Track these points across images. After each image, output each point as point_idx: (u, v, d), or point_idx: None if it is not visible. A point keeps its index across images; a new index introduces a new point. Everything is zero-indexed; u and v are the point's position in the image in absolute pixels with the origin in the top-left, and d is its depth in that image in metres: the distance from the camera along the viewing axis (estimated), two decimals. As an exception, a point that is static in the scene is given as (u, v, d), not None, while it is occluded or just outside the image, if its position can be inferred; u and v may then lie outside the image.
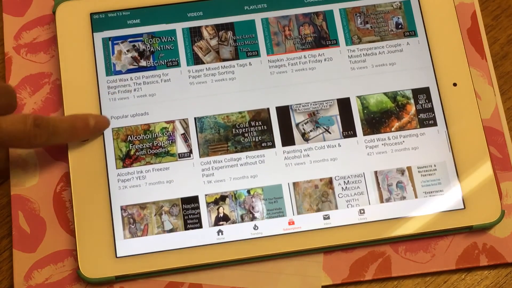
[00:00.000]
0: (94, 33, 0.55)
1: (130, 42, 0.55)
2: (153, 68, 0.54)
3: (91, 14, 0.55)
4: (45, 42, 0.56)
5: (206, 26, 0.55)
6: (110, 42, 0.55)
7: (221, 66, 0.55)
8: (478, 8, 0.58)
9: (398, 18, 0.56)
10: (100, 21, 0.55)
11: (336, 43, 0.55)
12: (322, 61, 0.55)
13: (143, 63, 0.55)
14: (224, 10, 0.56)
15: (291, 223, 0.52)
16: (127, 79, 0.54)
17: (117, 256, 0.51)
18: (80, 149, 0.52)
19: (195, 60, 0.55)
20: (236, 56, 0.55)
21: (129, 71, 0.54)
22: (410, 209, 0.52)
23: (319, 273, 0.52)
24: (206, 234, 0.51)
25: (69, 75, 0.54)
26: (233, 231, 0.51)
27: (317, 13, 0.56)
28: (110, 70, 0.54)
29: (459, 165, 0.53)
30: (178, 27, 0.55)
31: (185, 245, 0.51)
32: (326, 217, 0.52)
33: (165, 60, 0.55)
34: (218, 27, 0.55)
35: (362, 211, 0.52)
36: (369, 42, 0.56)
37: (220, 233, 0.51)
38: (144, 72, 0.54)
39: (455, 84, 0.55)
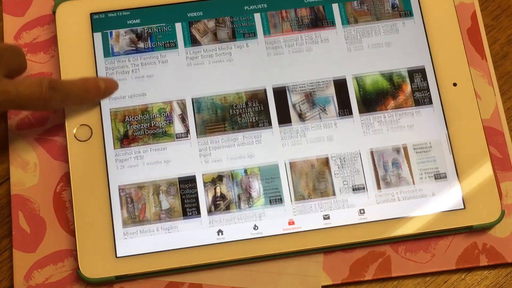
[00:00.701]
0: (94, 33, 0.55)
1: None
2: (151, 49, 0.55)
3: (91, 14, 0.55)
4: (45, 42, 0.56)
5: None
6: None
7: (218, 48, 0.55)
8: (478, 8, 0.58)
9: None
10: (100, 21, 0.55)
11: (332, 24, 0.56)
12: (319, 42, 0.55)
13: (140, 45, 0.55)
14: (224, 10, 0.56)
15: (291, 223, 0.52)
16: (125, 61, 0.54)
17: (117, 256, 0.51)
18: (80, 149, 0.52)
19: (193, 41, 0.55)
20: (233, 38, 0.55)
21: (127, 52, 0.55)
22: (410, 209, 0.52)
23: (319, 273, 0.52)
24: (206, 234, 0.51)
25: (69, 75, 0.54)
26: (233, 231, 0.51)
27: None
28: (108, 52, 0.54)
29: (459, 165, 0.53)
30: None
31: (185, 245, 0.51)
32: (326, 217, 0.52)
33: (163, 42, 0.55)
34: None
35: (362, 211, 0.52)
36: (365, 21, 0.56)
37: (220, 233, 0.51)
38: (142, 53, 0.55)
39: (455, 84, 0.55)
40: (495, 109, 0.56)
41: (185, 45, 0.55)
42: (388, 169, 0.53)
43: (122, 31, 0.55)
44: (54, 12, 0.55)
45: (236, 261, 0.51)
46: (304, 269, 0.52)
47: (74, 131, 0.53)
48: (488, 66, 0.57)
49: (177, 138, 0.53)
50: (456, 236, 0.53)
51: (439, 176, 0.53)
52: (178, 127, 0.53)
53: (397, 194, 0.53)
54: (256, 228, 0.52)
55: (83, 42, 0.54)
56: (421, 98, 0.54)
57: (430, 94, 0.54)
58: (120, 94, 0.54)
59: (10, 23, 0.56)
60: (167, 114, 0.53)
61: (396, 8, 0.56)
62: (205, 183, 0.52)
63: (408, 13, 0.56)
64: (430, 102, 0.54)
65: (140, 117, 0.53)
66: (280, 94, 0.54)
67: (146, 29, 0.55)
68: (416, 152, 0.53)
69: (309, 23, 0.56)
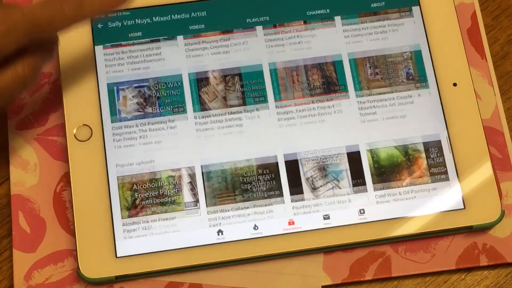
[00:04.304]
0: (94, 33, 0.55)
1: (136, 87, 0.54)
2: (159, 114, 0.53)
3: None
4: (46, 42, 0.56)
5: (213, 71, 0.54)
6: (115, 88, 0.54)
7: (228, 112, 0.54)
8: (478, 8, 0.58)
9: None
10: (99, 21, 0.55)
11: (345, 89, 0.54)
12: (332, 113, 0.54)
13: (148, 109, 0.53)
14: (225, 23, 0.55)
15: (291, 223, 0.52)
16: (133, 126, 0.53)
17: (117, 256, 0.51)
18: (80, 149, 0.52)
19: (202, 106, 0.54)
20: (243, 103, 0.54)
21: (135, 117, 0.53)
22: (410, 209, 0.52)
23: (319, 273, 0.52)
24: (206, 234, 0.51)
25: (69, 75, 0.54)
26: (233, 231, 0.51)
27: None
28: (116, 117, 0.53)
29: (459, 165, 0.53)
30: (185, 72, 0.54)
31: (185, 245, 0.51)
32: (326, 217, 0.52)
33: (171, 107, 0.54)
34: (225, 73, 0.54)
35: (362, 211, 0.52)
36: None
37: (220, 233, 0.51)
38: (150, 118, 0.53)
39: (455, 84, 0.55)
40: (495, 109, 0.56)
41: (194, 110, 0.53)
42: None
43: (129, 95, 0.53)
44: (54, 13, 0.55)
45: (236, 261, 0.51)
46: (304, 269, 0.52)
47: (74, 131, 0.53)
48: (488, 66, 0.57)
49: (186, 207, 0.52)
50: (456, 236, 0.53)
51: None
52: (187, 196, 0.52)
53: None
54: (256, 228, 0.52)
55: (83, 42, 0.54)
56: (438, 173, 0.53)
57: (446, 169, 0.53)
58: (128, 161, 0.52)
59: (10, 23, 0.56)
60: (176, 182, 0.52)
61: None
62: None
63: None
64: (447, 178, 0.53)
65: (148, 185, 0.52)
66: (292, 164, 0.53)
67: (155, 93, 0.54)
68: None
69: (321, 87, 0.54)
